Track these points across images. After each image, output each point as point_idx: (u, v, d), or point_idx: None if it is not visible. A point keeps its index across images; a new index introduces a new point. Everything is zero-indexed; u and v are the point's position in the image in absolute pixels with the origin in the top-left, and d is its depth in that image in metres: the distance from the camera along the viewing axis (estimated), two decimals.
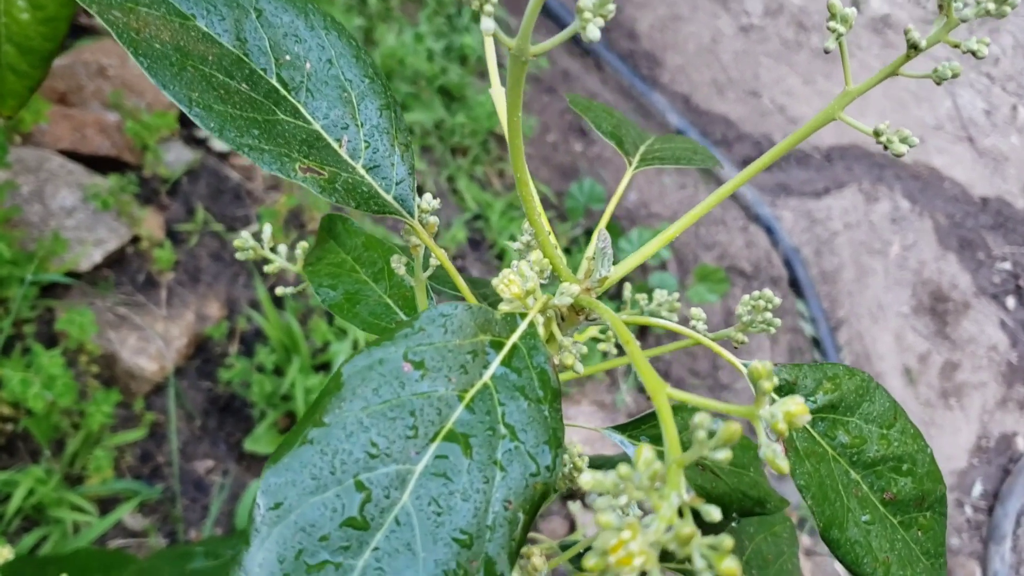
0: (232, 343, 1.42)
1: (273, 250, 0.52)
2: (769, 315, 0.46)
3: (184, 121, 1.55)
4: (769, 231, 2.13)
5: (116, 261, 1.34)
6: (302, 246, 0.52)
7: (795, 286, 2.13)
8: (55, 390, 1.06)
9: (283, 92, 0.39)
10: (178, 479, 1.34)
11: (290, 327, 1.40)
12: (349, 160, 0.40)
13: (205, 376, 1.41)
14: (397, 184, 0.41)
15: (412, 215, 0.42)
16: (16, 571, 0.71)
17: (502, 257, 1.84)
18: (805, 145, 2.42)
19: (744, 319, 0.47)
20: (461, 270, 1.79)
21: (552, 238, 0.43)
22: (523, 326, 0.37)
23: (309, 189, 0.37)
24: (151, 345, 1.29)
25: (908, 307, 2.24)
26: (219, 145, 1.55)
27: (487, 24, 0.30)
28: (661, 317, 0.60)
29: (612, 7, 0.30)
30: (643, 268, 1.94)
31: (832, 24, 0.40)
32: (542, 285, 0.39)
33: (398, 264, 0.46)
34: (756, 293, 0.46)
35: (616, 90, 2.23)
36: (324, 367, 1.44)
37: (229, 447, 1.41)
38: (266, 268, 0.50)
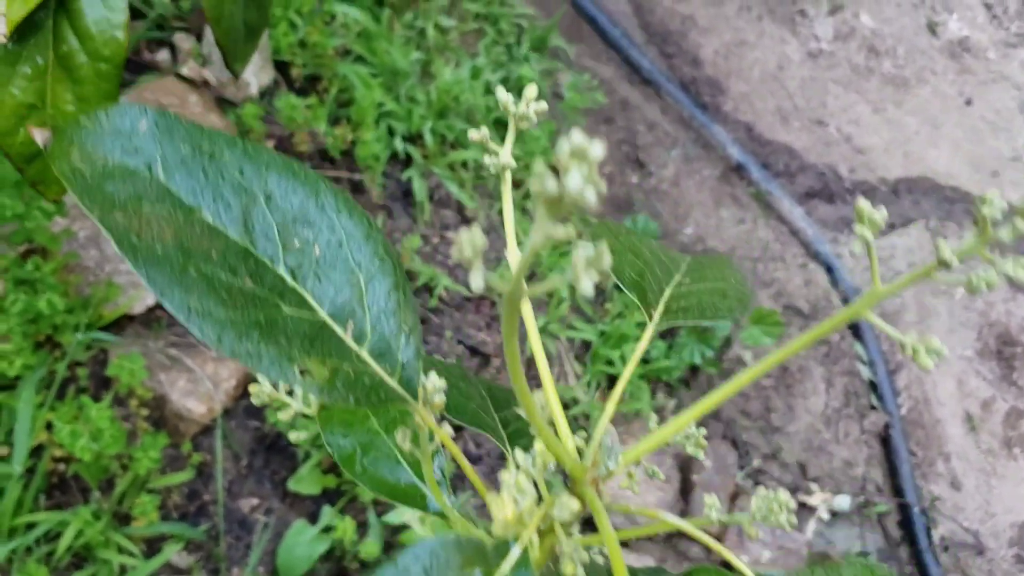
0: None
1: (290, 394, 0.52)
2: (785, 516, 0.44)
3: None
4: (829, 270, 2.09)
5: None
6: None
7: (853, 327, 2.08)
8: (102, 442, 1.08)
9: (290, 281, 0.39)
10: (223, 517, 1.36)
11: None
12: (354, 347, 0.40)
13: (252, 415, 1.42)
14: (403, 367, 0.41)
15: (416, 398, 0.41)
16: None
17: (551, 294, 1.83)
18: (871, 176, 2.36)
19: (757, 516, 0.45)
20: None
21: (561, 432, 0.42)
22: (515, 554, 0.36)
23: (307, 393, 0.37)
24: (200, 387, 1.31)
25: (972, 350, 2.17)
26: None
27: (476, 280, 0.29)
28: (688, 450, 0.58)
29: (608, 259, 0.29)
30: None
31: (860, 229, 0.38)
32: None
33: (403, 439, 0.46)
34: (771, 495, 0.44)
35: (676, 120, 2.20)
36: None
37: (274, 485, 1.43)
38: (280, 415, 0.50)
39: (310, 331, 0.39)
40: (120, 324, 1.31)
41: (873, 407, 2.04)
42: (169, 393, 1.29)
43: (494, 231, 1.83)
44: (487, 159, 0.47)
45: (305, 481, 1.39)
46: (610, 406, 0.46)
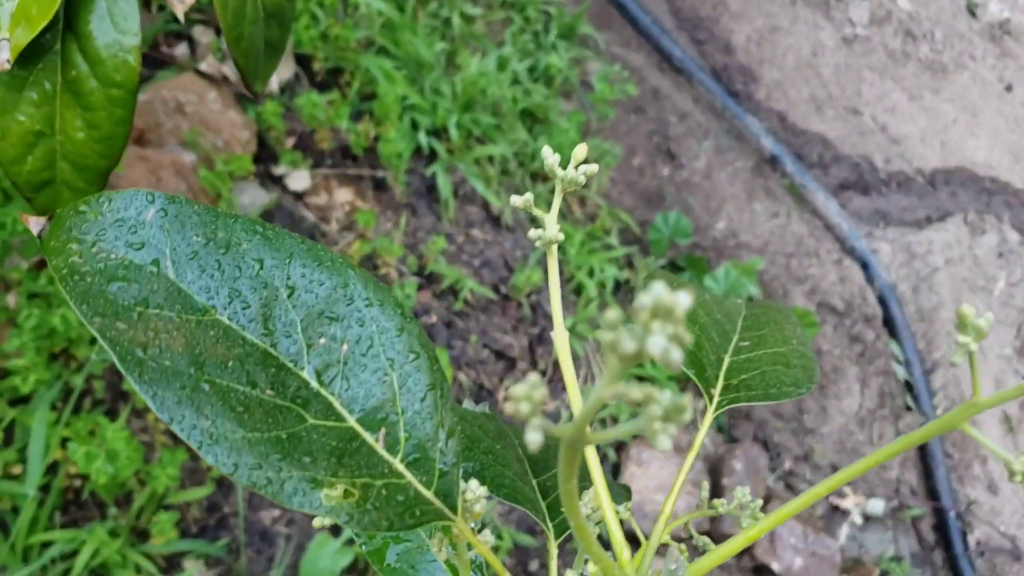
0: None
1: None
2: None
3: (259, 159, 1.53)
4: (864, 266, 2.03)
5: None
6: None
7: (889, 325, 2.02)
8: (118, 463, 1.05)
9: (315, 386, 0.35)
10: (244, 531, 1.33)
11: None
12: (386, 456, 0.36)
13: None
14: (441, 475, 0.37)
15: (456, 510, 0.37)
16: None
17: (580, 292, 1.78)
18: (907, 167, 2.29)
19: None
20: (534, 308, 1.74)
21: (617, 549, 0.37)
22: None
23: (335, 522, 0.33)
24: None
25: (1011, 349, 2.11)
26: (295, 184, 1.52)
27: (534, 439, 0.25)
28: (739, 520, 0.53)
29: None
30: None
31: (962, 339, 0.33)
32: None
33: (440, 548, 0.42)
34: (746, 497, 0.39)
35: (708, 110, 2.14)
36: None
37: None
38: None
39: (338, 444, 0.34)
40: None
41: (908, 408, 1.98)
42: None
43: (520, 228, 1.78)
44: (532, 232, 0.42)
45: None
46: (655, 537, 0.41)
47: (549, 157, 0.43)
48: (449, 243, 1.66)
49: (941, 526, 1.94)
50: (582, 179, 0.43)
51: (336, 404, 0.35)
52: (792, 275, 2.01)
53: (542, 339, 1.71)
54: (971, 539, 1.95)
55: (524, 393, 0.25)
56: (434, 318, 1.57)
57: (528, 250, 1.75)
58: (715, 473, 1.78)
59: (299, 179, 1.55)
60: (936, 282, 2.10)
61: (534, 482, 0.56)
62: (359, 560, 1.37)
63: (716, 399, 0.46)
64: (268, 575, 1.34)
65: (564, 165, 0.43)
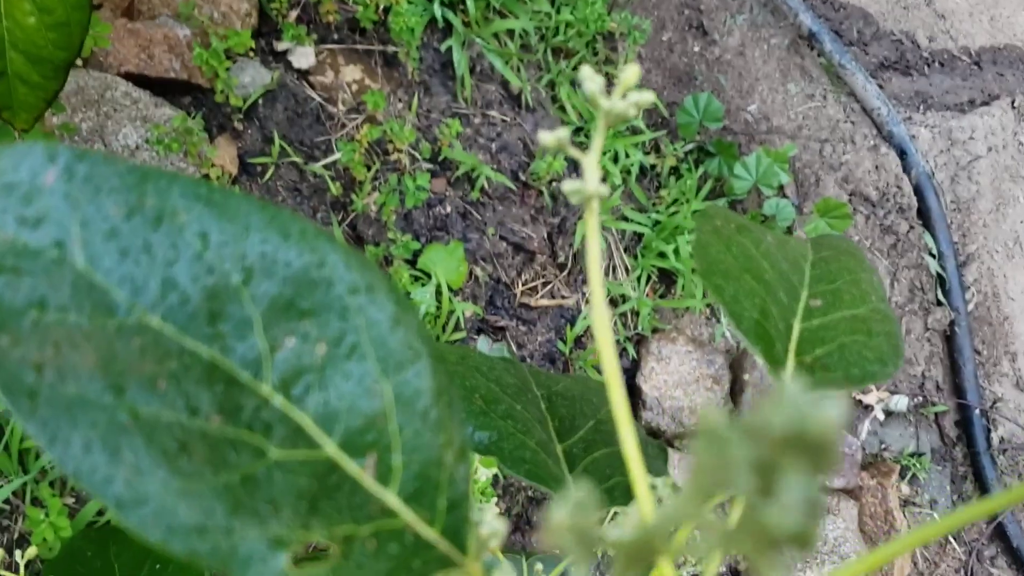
0: None
1: None
2: None
3: (260, 34, 1.40)
4: (902, 153, 1.91)
5: None
6: None
7: (924, 216, 1.91)
8: None
9: (279, 404, 0.26)
10: None
11: None
12: (376, 490, 0.27)
13: None
14: (449, 511, 0.28)
15: (466, 550, 0.29)
16: (76, 549, 0.64)
17: (604, 179, 1.67)
18: (953, 45, 2.13)
19: None
20: (555, 197, 1.64)
21: None
22: None
23: None
24: None
25: None
26: (299, 62, 1.40)
27: None
28: None
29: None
30: (758, 194, 1.76)
31: None
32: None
33: None
34: None
35: None
36: None
37: None
38: None
39: (310, 483, 0.26)
40: None
41: (939, 303, 1.90)
42: None
43: (541, 107, 1.66)
44: (566, 184, 0.32)
45: None
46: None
47: (589, 81, 0.33)
48: (465, 125, 1.55)
49: (964, 423, 1.89)
50: (632, 112, 0.33)
51: (309, 426, 0.27)
52: (825, 162, 1.90)
53: (563, 230, 1.62)
54: (994, 436, 1.90)
55: (567, 521, 0.16)
56: (449, 208, 1.48)
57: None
58: (736, 368, 1.72)
59: (303, 56, 1.43)
60: (976, 171, 1.98)
61: (559, 449, 0.49)
62: None
63: (789, 376, 0.38)
64: None
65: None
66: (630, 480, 0.44)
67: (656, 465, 0.50)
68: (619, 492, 0.45)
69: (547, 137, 0.34)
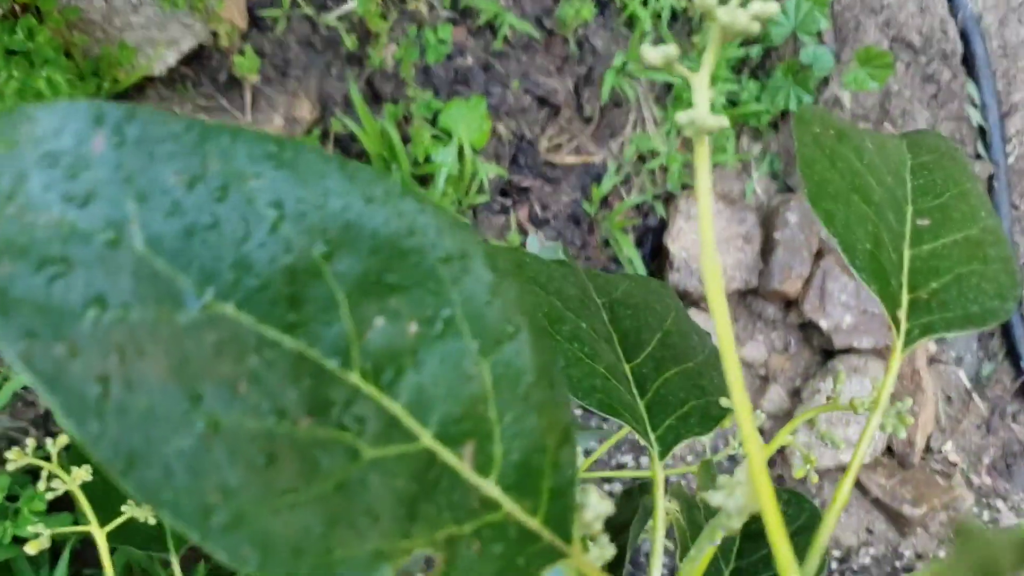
0: (325, 147, 1.27)
1: None
2: None
3: None
4: None
5: (195, 57, 1.17)
6: None
7: (968, 63, 1.82)
8: None
9: (371, 395, 0.23)
10: None
11: (388, 134, 1.24)
12: (476, 480, 0.25)
13: None
14: (552, 499, 0.26)
15: (570, 539, 0.26)
16: (96, 490, 0.64)
17: (631, 25, 1.59)
18: None
19: None
20: (581, 44, 1.55)
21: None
22: None
23: None
24: None
25: None
26: None
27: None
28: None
29: None
30: (795, 41, 1.67)
31: None
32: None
33: None
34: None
35: None
36: (426, 179, 1.30)
37: None
38: None
39: (408, 483, 0.23)
40: (139, 89, 1.13)
41: (979, 156, 1.84)
42: None
43: None
44: (679, 116, 0.28)
45: None
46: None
47: None
48: None
49: None
50: (756, 27, 0.28)
51: (403, 416, 0.24)
52: (866, 5, 1.79)
53: (589, 80, 1.55)
54: None
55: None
56: (470, 60, 1.40)
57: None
58: (767, 226, 1.68)
59: None
60: None
61: (628, 369, 0.46)
62: None
63: (904, 327, 0.34)
64: None
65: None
66: (707, 406, 0.41)
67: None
68: (695, 419, 0.43)
69: (652, 54, 0.29)
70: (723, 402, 0.43)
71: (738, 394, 0.28)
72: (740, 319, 1.73)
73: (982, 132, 1.82)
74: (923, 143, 0.45)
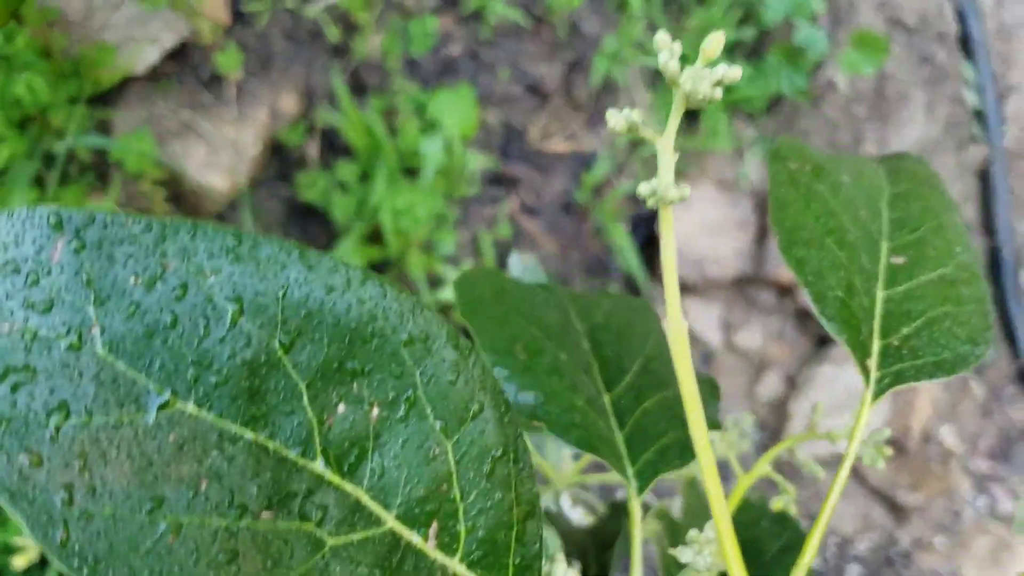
0: (311, 141, 1.27)
1: None
2: None
3: None
4: None
5: (177, 54, 1.16)
6: None
7: (965, 44, 1.81)
8: None
9: (332, 481, 0.23)
10: None
11: (374, 127, 1.23)
12: (442, 561, 0.25)
13: (282, 182, 1.27)
14: (517, 571, 0.26)
15: None
16: None
17: (623, 8, 1.58)
18: None
19: None
20: (572, 29, 1.55)
21: None
22: None
23: None
24: (221, 157, 1.14)
25: None
26: None
27: None
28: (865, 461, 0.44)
29: None
30: (788, 23, 1.66)
31: None
32: None
33: None
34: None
35: None
36: (414, 171, 1.29)
37: None
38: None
39: (372, 567, 0.24)
40: (122, 88, 1.12)
41: (975, 139, 1.83)
42: (186, 168, 1.13)
43: None
44: (641, 187, 0.28)
45: (348, 257, 1.27)
46: None
47: (663, 50, 0.29)
48: None
49: (994, 265, 1.86)
50: (718, 95, 0.28)
51: (367, 500, 0.24)
52: None
53: (580, 66, 1.54)
54: (1023, 278, 1.88)
55: None
56: (458, 49, 1.40)
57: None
58: (764, 211, 1.68)
59: None
60: None
61: (607, 400, 0.46)
62: None
63: (874, 376, 0.34)
64: None
65: (685, 59, 0.29)
66: (687, 436, 0.41)
67: (710, 410, 0.47)
68: (674, 451, 0.43)
69: (615, 119, 0.29)
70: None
71: (705, 458, 0.28)
72: (735, 306, 1.73)
73: (979, 114, 1.81)
74: (902, 169, 0.45)
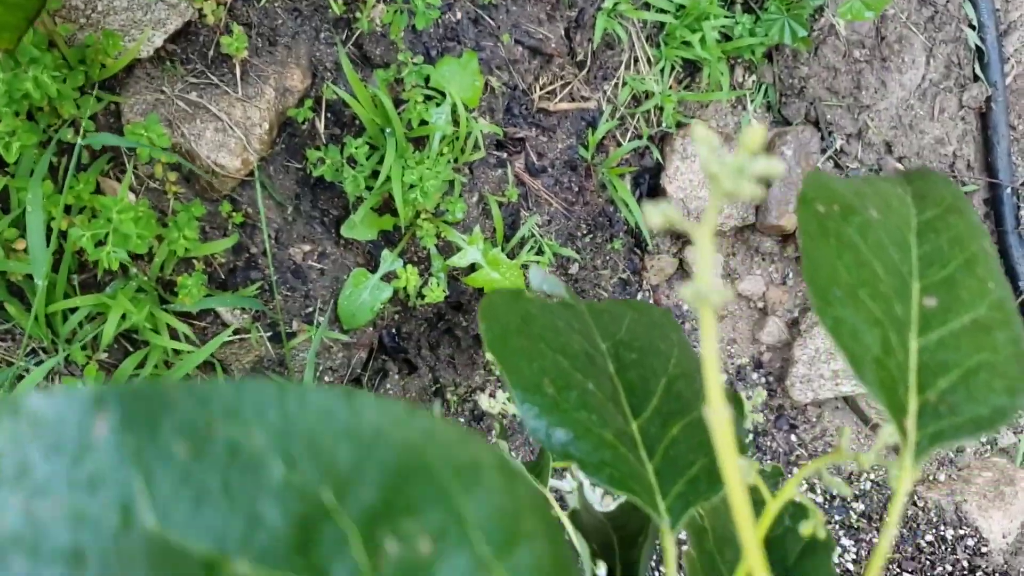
0: (319, 117, 1.25)
1: None
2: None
3: None
4: None
5: (181, 35, 1.14)
6: None
7: None
8: (129, 244, 0.94)
9: None
10: (274, 269, 1.25)
11: (380, 100, 1.21)
12: None
13: (292, 157, 1.26)
14: None
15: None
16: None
17: None
18: None
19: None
20: None
21: None
22: None
23: None
24: (231, 138, 1.13)
25: None
26: None
27: None
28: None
29: None
30: None
31: None
32: None
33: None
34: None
35: None
36: (421, 142, 1.28)
37: (325, 229, 1.31)
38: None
39: None
40: (128, 71, 1.11)
41: (976, 78, 1.81)
42: (196, 149, 1.12)
43: None
44: (683, 290, 0.28)
45: (359, 227, 1.26)
46: None
47: (702, 142, 0.28)
48: None
49: (994, 202, 1.86)
50: (758, 193, 0.27)
51: None
52: None
53: (580, 23, 1.52)
54: (1023, 215, 1.87)
55: None
56: (459, 15, 1.37)
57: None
58: None
59: None
60: None
61: (635, 428, 0.46)
62: (398, 292, 1.31)
63: (913, 437, 0.34)
64: (304, 313, 1.29)
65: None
66: (715, 463, 0.41)
67: (737, 431, 0.47)
68: (704, 480, 0.43)
69: (653, 214, 0.29)
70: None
71: (740, 508, 0.28)
72: (738, 254, 1.73)
73: (979, 53, 1.79)
74: (929, 194, 0.44)
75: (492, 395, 0.69)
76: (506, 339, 0.46)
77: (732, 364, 1.77)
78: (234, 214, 1.18)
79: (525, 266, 1.35)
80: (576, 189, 1.54)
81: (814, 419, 1.75)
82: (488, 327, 0.46)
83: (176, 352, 1.13)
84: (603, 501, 0.65)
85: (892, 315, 0.37)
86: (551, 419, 0.43)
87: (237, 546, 0.22)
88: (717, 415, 0.29)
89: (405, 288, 1.28)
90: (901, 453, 0.34)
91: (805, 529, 0.48)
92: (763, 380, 1.75)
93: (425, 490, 0.24)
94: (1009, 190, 1.83)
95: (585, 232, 1.57)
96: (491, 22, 1.40)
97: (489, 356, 0.44)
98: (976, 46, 1.78)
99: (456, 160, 1.33)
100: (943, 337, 0.37)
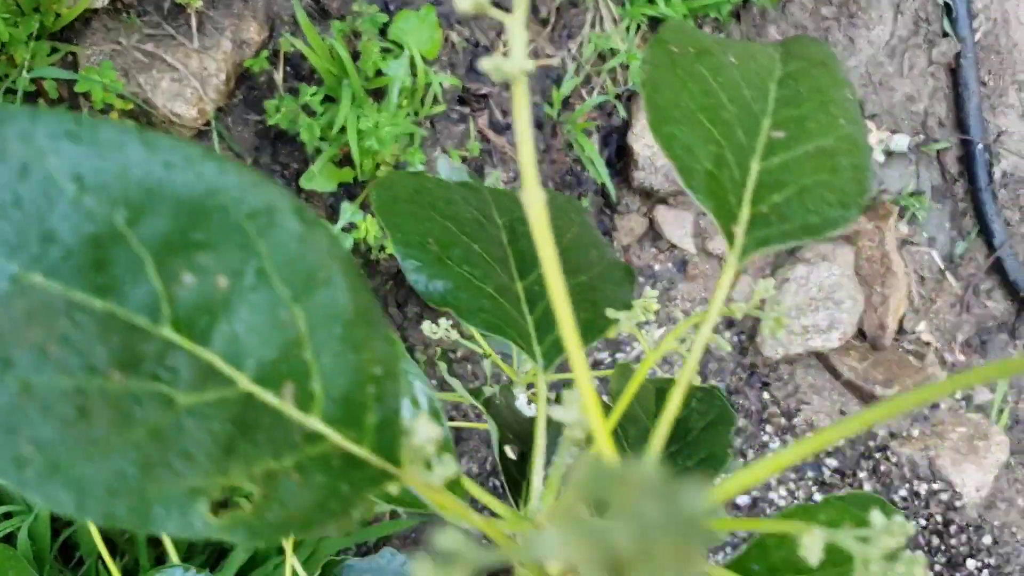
0: (276, 69, 1.27)
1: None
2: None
3: None
4: None
5: None
6: None
7: None
8: None
9: (183, 346, 0.25)
10: None
11: (337, 52, 1.23)
12: (299, 418, 0.27)
13: (251, 108, 1.28)
14: (379, 428, 0.28)
15: (398, 462, 0.29)
16: None
17: None
18: None
19: None
20: None
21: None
22: None
23: (229, 541, 0.25)
24: (187, 88, 1.15)
25: None
26: None
27: None
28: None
29: None
30: None
31: None
32: None
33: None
34: None
35: None
36: (380, 93, 1.29)
37: (285, 180, 1.33)
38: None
39: (224, 424, 0.25)
40: (85, 22, 1.12)
41: (945, 34, 1.82)
42: (152, 98, 1.13)
43: None
44: (483, 62, 0.29)
45: (318, 178, 1.28)
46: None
47: None
48: None
49: (967, 159, 1.86)
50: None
51: (218, 364, 0.26)
52: None
53: None
54: (996, 171, 1.88)
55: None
56: None
57: None
58: None
59: None
60: None
61: (520, 287, 0.48)
62: (358, 244, 1.33)
63: (740, 240, 0.36)
64: None
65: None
66: (596, 318, 0.43)
67: (622, 293, 0.49)
68: (581, 331, 0.45)
69: (464, 2, 0.30)
70: (609, 313, 0.45)
71: (567, 329, 0.30)
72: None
73: (948, 8, 1.80)
74: (798, 51, 0.46)
75: (435, 322, 0.71)
76: (395, 204, 0.47)
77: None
78: None
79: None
80: (543, 148, 1.56)
81: (786, 376, 1.76)
82: (379, 195, 0.48)
83: None
84: (530, 407, 0.67)
85: (734, 140, 0.38)
86: (431, 271, 0.45)
87: (31, 259, 0.23)
88: (531, 198, 0.31)
89: (365, 239, 1.30)
90: (727, 254, 0.35)
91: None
92: (735, 339, 1.77)
93: (219, 228, 0.26)
94: (981, 146, 1.83)
95: (553, 190, 1.58)
96: None
97: (378, 221, 0.46)
98: (944, 1, 1.80)
99: (416, 113, 1.34)
100: (785, 161, 0.39)
